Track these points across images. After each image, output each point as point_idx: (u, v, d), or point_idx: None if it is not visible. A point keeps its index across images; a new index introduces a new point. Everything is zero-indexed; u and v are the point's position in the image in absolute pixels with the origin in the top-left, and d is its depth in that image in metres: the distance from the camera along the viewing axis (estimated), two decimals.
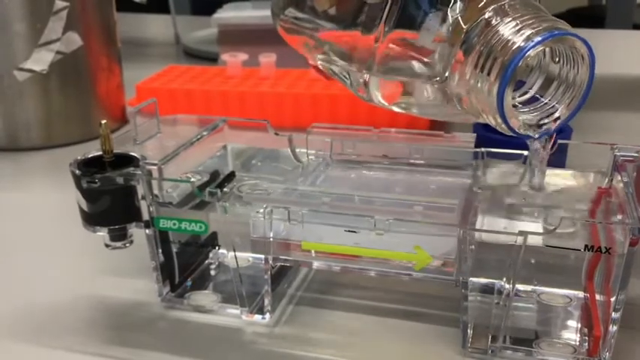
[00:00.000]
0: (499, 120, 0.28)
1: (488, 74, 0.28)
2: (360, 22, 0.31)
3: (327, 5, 0.33)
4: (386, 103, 0.33)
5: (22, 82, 0.55)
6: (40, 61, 0.54)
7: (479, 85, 0.28)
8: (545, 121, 0.30)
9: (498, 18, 0.28)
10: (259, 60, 0.64)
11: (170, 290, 0.35)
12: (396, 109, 0.33)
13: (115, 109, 0.61)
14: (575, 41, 0.27)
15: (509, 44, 0.27)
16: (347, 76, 0.34)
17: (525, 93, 0.31)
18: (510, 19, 0.28)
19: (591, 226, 0.30)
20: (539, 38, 0.27)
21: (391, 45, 0.30)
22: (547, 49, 0.29)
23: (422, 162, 0.37)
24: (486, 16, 0.28)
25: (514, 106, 0.30)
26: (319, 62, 0.35)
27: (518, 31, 0.27)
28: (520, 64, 0.27)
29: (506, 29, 0.28)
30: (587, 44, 0.28)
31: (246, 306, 0.34)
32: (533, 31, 0.27)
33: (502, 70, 0.27)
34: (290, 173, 0.38)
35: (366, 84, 0.32)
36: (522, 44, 0.27)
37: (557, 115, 0.30)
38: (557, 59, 0.29)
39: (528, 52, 0.27)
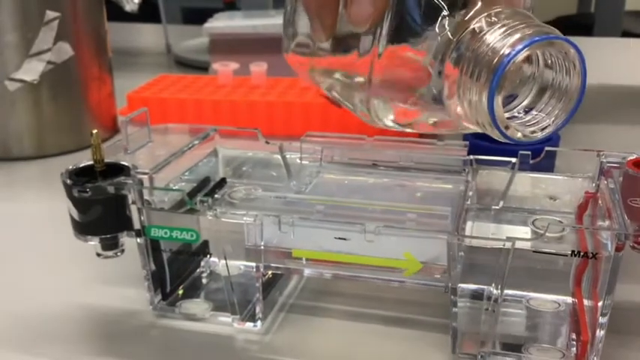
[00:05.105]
0: (492, 127, 0.28)
1: (478, 80, 0.28)
2: (355, 46, 0.31)
3: (323, 40, 0.33)
4: (396, 125, 0.33)
5: (14, 92, 0.55)
6: (31, 71, 0.55)
7: (469, 93, 0.28)
8: (534, 129, 0.30)
9: (486, 27, 0.28)
10: (250, 69, 0.64)
11: (161, 299, 0.35)
12: (408, 130, 0.33)
13: (106, 119, 0.61)
14: (563, 45, 0.27)
15: (498, 49, 0.27)
16: (350, 102, 0.34)
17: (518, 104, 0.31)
18: (498, 26, 0.28)
19: (579, 232, 0.30)
20: (527, 42, 0.27)
21: (387, 64, 0.30)
22: (540, 57, 0.29)
23: (413, 169, 0.38)
24: (473, 26, 0.28)
25: (514, 117, 0.29)
26: (324, 89, 0.35)
27: (506, 36, 0.27)
28: (509, 67, 0.27)
29: (494, 36, 0.27)
30: (576, 48, 0.27)
31: (237, 314, 0.34)
32: (521, 35, 0.27)
33: (491, 74, 0.27)
34: (281, 180, 0.38)
35: (368, 107, 0.32)
36: (509, 50, 0.27)
37: (546, 124, 0.29)
38: (550, 66, 0.29)
39: (516, 56, 0.27)
